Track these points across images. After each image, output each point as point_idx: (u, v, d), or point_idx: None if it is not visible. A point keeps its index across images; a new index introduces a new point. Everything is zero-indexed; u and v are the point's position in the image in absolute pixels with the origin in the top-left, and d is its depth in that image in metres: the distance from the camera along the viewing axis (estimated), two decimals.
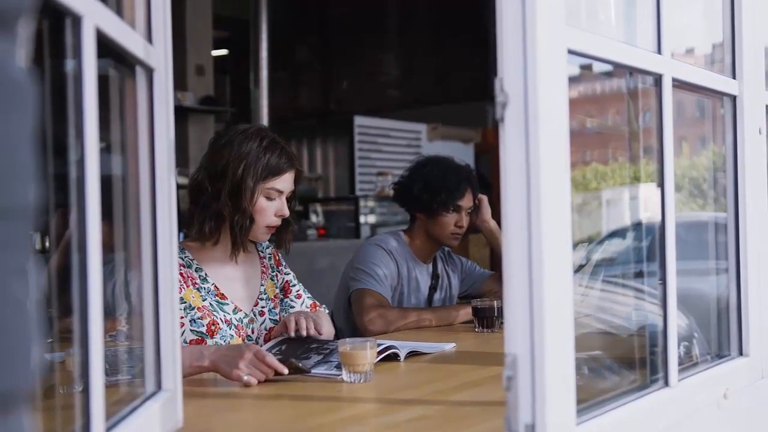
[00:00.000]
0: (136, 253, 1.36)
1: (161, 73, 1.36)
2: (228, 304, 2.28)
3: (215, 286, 2.28)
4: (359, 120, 7.75)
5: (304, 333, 2.15)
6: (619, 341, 1.89)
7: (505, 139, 1.16)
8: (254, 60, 7.99)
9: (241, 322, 2.29)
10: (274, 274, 2.47)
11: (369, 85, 9.69)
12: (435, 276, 3.12)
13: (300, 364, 1.92)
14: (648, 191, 1.82)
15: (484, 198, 3.11)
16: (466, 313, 2.84)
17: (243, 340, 2.28)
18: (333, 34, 10.01)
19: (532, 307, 1.15)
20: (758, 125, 1.85)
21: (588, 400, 1.31)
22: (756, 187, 1.84)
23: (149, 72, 1.33)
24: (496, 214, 3.10)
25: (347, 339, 1.99)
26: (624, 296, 2.03)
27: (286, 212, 2.31)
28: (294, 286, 2.50)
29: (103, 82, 1.05)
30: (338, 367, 1.94)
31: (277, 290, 2.47)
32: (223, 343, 2.22)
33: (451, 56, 9.21)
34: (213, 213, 2.23)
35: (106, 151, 1.11)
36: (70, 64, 0.97)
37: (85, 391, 0.99)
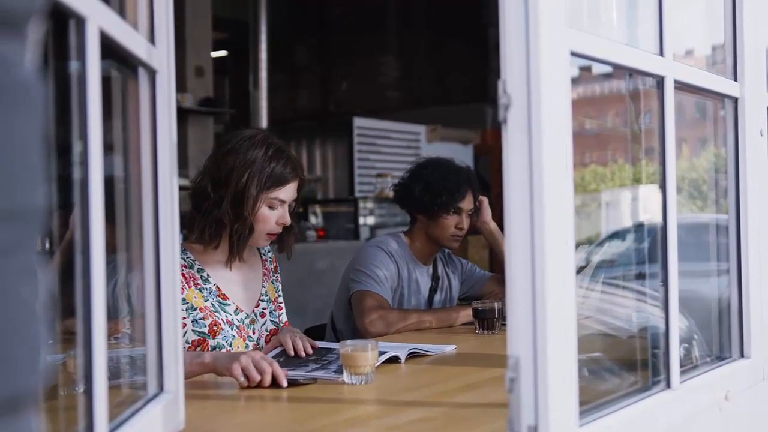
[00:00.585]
0: (138, 254, 1.36)
1: (164, 74, 1.36)
2: (230, 304, 2.28)
3: (217, 286, 2.28)
4: (358, 121, 7.75)
5: (302, 354, 2.14)
6: (620, 343, 1.89)
7: (508, 141, 1.16)
8: (253, 61, 7.99)
9: (243, 323, 2.29)
10: (275, 277, 2.48)
11: (368, 87, 9.70)
12: (435, 277, 3.12)
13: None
14: (647, 193, 1.82)
15: (485, 199, 3.11)
16: (466, 314, 2.83)
17: (244, 340, 2.28)
18: (332, 35, 10.02)
19: (534, 309, 1.15)
20: (759, 127, 1.86)
21: (590, 401, 1.31)
22: (757, 188, 1.84)
23: (152, 73, 1.33)
24: (495, 216, 3.12)
25: (348, 341, 1.99)
26: (624, 298, 2.03)
27: (288, 221, 2.30)
28: (280, 297, 2.50)
29: (105, 83, 1.04)
30: (338, 372, 1.93)
31: (277, 294, 2.47)
32: (225, 344, 2.22)
33: (450, 58, 9.23)
34: (213, 219, 2.22)
35: (108, 152, 1.11)
36: (74, 66, 0.97)
37: (88, 393, 0.99)
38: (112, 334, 1.24)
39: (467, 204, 2.99)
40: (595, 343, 1.74)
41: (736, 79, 1.82)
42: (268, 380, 1.86)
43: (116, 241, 1.33)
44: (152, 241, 1.35)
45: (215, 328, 2.22)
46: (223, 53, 9.93)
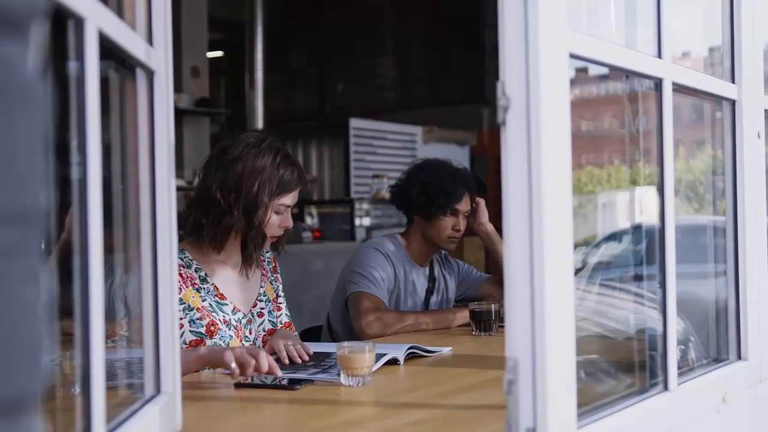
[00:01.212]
0: (135, 255, 1.36)
1: (162, 75, 1.35)
2: (227, 304, 2.29)
3: (215, 286, 2.28)
4: (354, 122, 7.74)
5: (298, 361, 2.13)
6: (617, 345, 1.89)
7: (507, 143, 1.16)
8: (250, 62, 7.99)
9: (240, 323, 2.30)
10: (274, 277, 2.48)
11: (364, 88, 9.69)
12: (432, 279, 3.12)
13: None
14: (644, 194, 1.82)
15: (482, 201, 3.11)
16: (463, 316, 2.83)
17: (241, 341, 2.29)
18: (328, 36, 10.01)
19: (533, 310, 1.14)
20: (757, 129, 1.86)
21: (588, 403, 1.31)
22: (755, 190, 1.84)
23: (150, 74, 1.32)
24: (491, 217, 3.12)
25: (345, 342, 1.99)
26: (622, 300, 2.03)
27: (291, 224, 2.34)
28: (280, 297, 2.50)
29: (103, 84, 1.04)
30: (338, 376, 1.93)
31: (276, 294, 2.47)
32: (222, 344, 2.22)
33: (447, 59, 9.23)
34: (224, 227, 2.24)
35: (106, 153, 1.11)
36: (72, 66, 0.96)
37: (86, 395, 0.98)
38: (110, 336, 1.24)
39: (464, 206, 2.99)
40: (592, 345, 1.74)
41: (733, 82, 1.82)
42: (263, 363, 1.86)
43: (113, 241, 1.33)
44: (150, 242, 1.35)
45: (212, 328, 2.22)
46: (219, 54, 9.93)
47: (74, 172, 0.96)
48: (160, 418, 1.31)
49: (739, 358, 1.82)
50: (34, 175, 0.53)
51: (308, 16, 10.12)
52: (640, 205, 1.92)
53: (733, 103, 1.82)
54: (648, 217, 1.77)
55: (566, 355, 1.19)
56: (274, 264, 2.51)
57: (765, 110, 1.92)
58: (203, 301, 2.24)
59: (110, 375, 1.24)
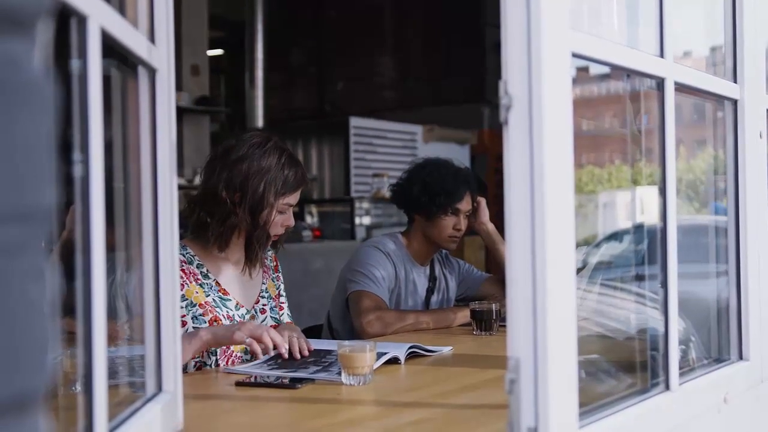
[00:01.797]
0: (137, 254, 1.36)
1: (164, 73, 1.35)
2: (230, 299, 2.30)
3: (217, 282, 2.29)
4: (355, 121, 7.74)
5: (297, 356, 2.13)
6: (619, 345, 1.89)
7: (509, 142, 1.16)
8: (250, 60, 7.99)
9: (243, 319, 2.31)
10: (276, 276, 2.49)
11: (364, 87, 9.69)
12: (432, 278, 3.12)
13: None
14: (645, 194, 1.82)
15: (483, 200, 3.11)
16: (464, 315, 2.83)
17: None
18: (328, 35, 10.01)
19: (535, 310, 1.14)
20: (759, 129, 1.86)
21: (590, 403, 1.31)
22: (756, 190, 1.84)
23: (152, 72, 1.32)
24: (492, 216, 3.12)
25: (346, 341, 1.99)
26: (623, 300, 2.03)
27: (293, 223, 2.36)
28: (282, 296, 2.51)
29: (105, 82, 1.04)
30: (339, 374, 1.93)
31: (278, 292, 2.48)
32: None
33: (447, 58, 9.22)
34: (229, 226, 2.25)
35: (107, 151, 1.11)
36: (75, 64, 0.96)
37: (88, 393, 0.98)
38: (112, 340, 1.23)
39: (465, 205, 2.99)
40: (593, 345, 1.74)
41: (735, 81, 1.82)
42: (269, 341, 2.00)
43: (114, 240, 1.33)
44: (151, 240, 1.35)
45: (215, 323, 2.22)
46: (219, 52, 9.93)
47: (76, 171, 0.96)
48: (162, 417, 1.31)
49: (741, 358, 1.82)
50: (40, 174, 0.53)
51: (308, 15, 10.12)
52: (640, 205, 1.92)
53: (735, 102, 1.82)
54: (649, 216, 1.77)
55: (568, 355, 1.19)
56: (275, 263, 2.52)
57: (767, 110, 1.91)
58: (207, 296, 2.25)
59: (111, 373, 1.24)
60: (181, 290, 2.17)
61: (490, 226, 3.12)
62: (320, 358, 2.13)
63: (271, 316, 2.41)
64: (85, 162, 0.96)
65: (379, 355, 2.04)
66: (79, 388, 1.03)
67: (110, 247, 1.28)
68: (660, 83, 1.52)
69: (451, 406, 1.75)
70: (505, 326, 2.34)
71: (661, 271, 1.54)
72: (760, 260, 1.85)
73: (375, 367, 1.95)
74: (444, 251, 3.18)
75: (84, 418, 0.98)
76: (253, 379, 1.92)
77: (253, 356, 2.10)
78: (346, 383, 1.88)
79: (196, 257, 2.29)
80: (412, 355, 2.22)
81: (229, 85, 10.30)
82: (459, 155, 6.79)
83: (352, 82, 9.87)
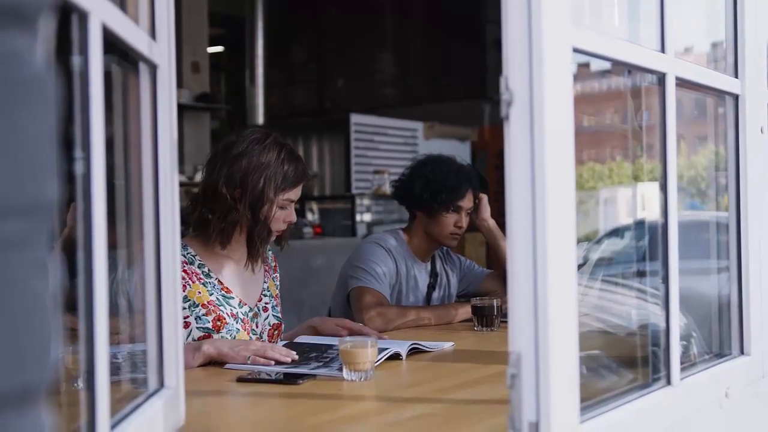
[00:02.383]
0: (138, 250, 1.36)
1: (164, 69, 1.35)
2: (233, 297, 2.31)
3: (219, 280, 2.29)
4: (355, 118, 7.74)
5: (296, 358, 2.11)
6: (620, 340, 1.89)
7: (510, 137, 1.16)
8: (250, 57, 8.00)
9: (247, 316, 2.31)
10: (275, 276, 2.50)
11: (365, 83, 9.69)
12: (434, 274, 3.12)
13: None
14: (646, 190, 1.82)
15: (484, 197, 3.11)
16: (465, 311, 2.83)
17: (248, 334, 2.31)
18: (329, 31, 10.01)
19: (536, 304, 1.14)
20: (760, 124, 1.86)
21: (591, 398, 1.31)
22: (757, 186, 1.84)
23: (153, 68, 1.32)
24: (493, 212, 3.12)
25: (347, 337, 1.99)
26: (624, 295, 2.03)
27: (295, 219, 2.36)
28: (278, 296, 2.51)
29: (106, 78, 1.04)
30: (340, 370, 1.93)
31: (277, 291, 2.49)
32: (230, 338, 2.23)
33: (448, 54, 9.22)
34: (230, 222, 2.26)
35: (108, 147, 1.11)
36: (76, 60, 0.96)
37: (90, 389, 0.98)
38: (114, 341, 1.24)
39: (467, 203, 2.99)
40: (595, 341, 1.74)
41: (736, 77, 1.82)
42: (278, 356, 2.04)
43: (115, 236, 1.33)
44: (153, 236, 1.35)
45: (219, 323, 2.23)
46: (219, 49, 9.93)
47: (77, 168, 0.96)
48: (164, 412, 1.31)
49: (742, 353, 1.82)
50: (43, 168, 0.53)
51: (308, 12, 10.12)
52: (641, 201, 1.92)
53: (736, 98, 1.82)
54: (650, 212, 1.77)
55: (569, 350, 1.19)
56: (275, 263, 2.53)
57: None
58: (210, 295, 2.25)
59: (113, 369, 1.24)
60: (183, 291, 2.17)
61: (492, 223, 3.12)
62: (321, 354, 2.13)
63: (273, 315, 2.41)
64: (87, 159, 0.97)
65: (380, 351, 2.04)
66: (81, 384, 1.03)
67: (111, 244, 1.28)
68: (661, 78, 1.52)
69: (452, 401, 1.75)
70: (506, 322, 2.34)
71: (662, 267, 1.54)
72: (761, 255, 1.85)
73: (376, 363, 1.96)
74: (445, 247, 3.18)
75: (86, 414, 0.98)
76: (254, 375, 1.93)
77: None
78: (348, 379, 1.88)
79: (197, 257, 2.29)
80: (413, 351, 2.22)
81: (229, 82, 10.30)
82: (460, 152, 6.80)
83: (352, 79, 9.87)
